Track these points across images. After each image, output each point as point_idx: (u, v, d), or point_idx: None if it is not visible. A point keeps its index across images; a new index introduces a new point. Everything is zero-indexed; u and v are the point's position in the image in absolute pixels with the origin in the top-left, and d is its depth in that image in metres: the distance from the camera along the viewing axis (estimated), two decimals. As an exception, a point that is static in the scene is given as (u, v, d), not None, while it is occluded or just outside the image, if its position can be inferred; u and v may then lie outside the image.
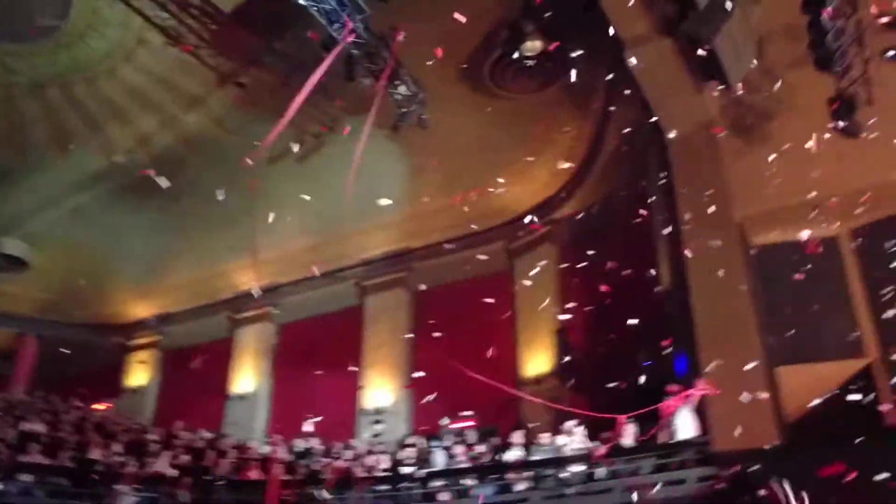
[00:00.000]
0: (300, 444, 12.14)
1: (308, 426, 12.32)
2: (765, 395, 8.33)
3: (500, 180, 13.26)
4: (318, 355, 15.05)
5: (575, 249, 12.91)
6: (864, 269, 9.08)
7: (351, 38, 10.58)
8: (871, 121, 8.42)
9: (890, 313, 8.44)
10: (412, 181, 14.60)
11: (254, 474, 10.54)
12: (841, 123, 8.40)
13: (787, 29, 9.15)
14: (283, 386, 16.36)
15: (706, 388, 8.60)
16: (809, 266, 9.00)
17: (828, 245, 9.23)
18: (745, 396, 8.09)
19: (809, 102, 8.86)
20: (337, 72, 10.87)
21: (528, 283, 13.39)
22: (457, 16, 9.88)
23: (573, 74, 10.78)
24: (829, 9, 8.08)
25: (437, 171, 13.31)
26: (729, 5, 8.60)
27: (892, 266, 8.61)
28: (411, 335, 14.91)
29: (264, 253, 16.38)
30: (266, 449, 12.13)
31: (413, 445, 11.39)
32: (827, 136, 8.61)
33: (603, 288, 10.68)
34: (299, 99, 9.01)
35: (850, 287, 9.12)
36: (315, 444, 12.17)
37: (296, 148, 13.16)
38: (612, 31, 9.70)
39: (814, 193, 9.00)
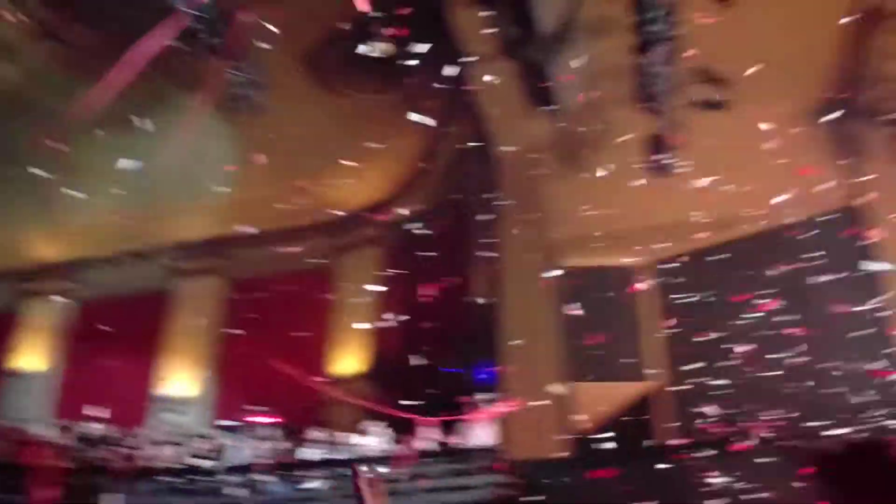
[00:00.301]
0: (88, 430, 11.34)
1: (98, 411, 11.57)
2: (560, 408, 8.81)
3: (332, 177, 13.13)
4: (118, 337, 14.11)
5: (399, 254, 13.03)
6: (659, 299, 9.83)
7: (191, 10, 10.09)
8: (681, 163, 9.12)
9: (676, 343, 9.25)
10: (241, 166, 14.10)
11: (30, 459, 9.73)
12: (653, 162, 9.03)
13: (617, 68, 9.74)
14: (76, 366, 15.20)
15: (510, 405, 8.96)
16: (612, 291, 9.65)
17: (628, 274, 9.94)
18: (540, 408, 8.53)
19: (629, 139, 9.47)
20: (175, 44, 10.33)
21: (348, 282, 13.39)
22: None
23: (416, 82, 10.90)
24: (656, 55, 8.68)
25: (268, 159, 12.94)
26: (568, 39, 9.08)
27: (683, 299, 9.40)
28: (222, 324, 14.38)
29: (71, 224, 15.22)
30: (48, 433, 11.24)
31: (211, 438, 10.97)
32: (640, 172, 9.26)
33: (421, 295, 10.85)
34: (127, 65, 8.48)
35: (644, 315, 9.84)
36: (105, 430, 11.42)
37: (128, 118, 12.35)
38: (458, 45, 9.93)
39: (623, 224, 9.67)
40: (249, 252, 14.75)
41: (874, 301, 8.57)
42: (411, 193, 13.81)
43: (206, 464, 10.04)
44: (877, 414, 7.95)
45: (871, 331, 8.44)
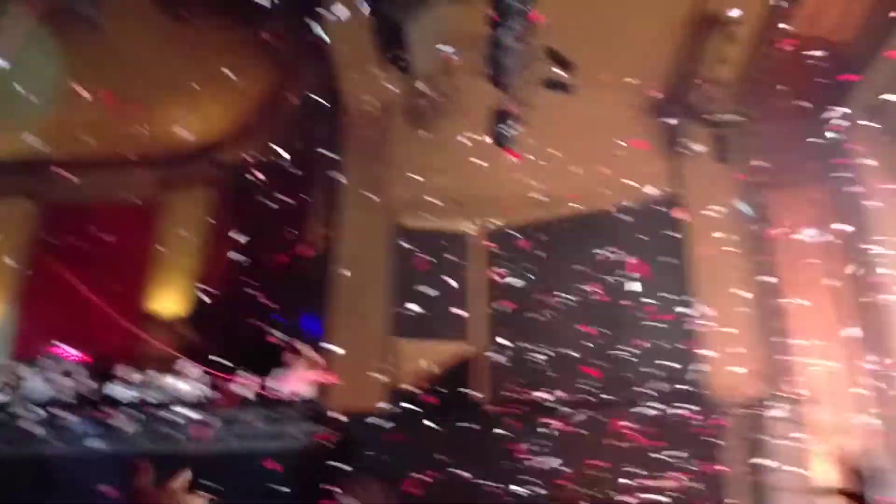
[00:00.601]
0: None
1: None
2: (381, 363, 9.01)
3: (168, 107, 12.46)
4: None
5: (234, 197, 12.63)
6: (488, 268, 10.15)
7: None
8: (522, 138, 9.40)
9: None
10: (67, 83, 12.99)
11: None
12: (496, 134, 9.25)
13: (471, 36, 9.85)
14: None
15: (325, 375, 9.05)
16: (445, 255, 9.87)
17: (464, 240, 10.23)
18: (361, 362, 8.70)
19: (476, 109, 9.63)
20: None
21: (176, 221, 12.84)
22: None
23: (267, 22, 10.56)
24: (509, 28, 8.86)
25: (99, 79, 12.03)
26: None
27: (511, 269, 9.78)
28: (30, 251, 13.31)
29: None
30: None
31: (7, 370, 10.23)
32: (483, 142, 9.46)
33: (253, 241, 10.63)
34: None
35: (473, 281, 10.13)
36: None
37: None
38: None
39: (462, 191, 9.88)
40: (71, 176, 13.69)
41: (681, 292, 9.34)
42: (252, 137, 13.36)
43: (0, 397, 9.41)
44: (666, 393, 8.70)
45: (676, 319, 9.17)
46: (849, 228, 9.13)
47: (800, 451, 8.42)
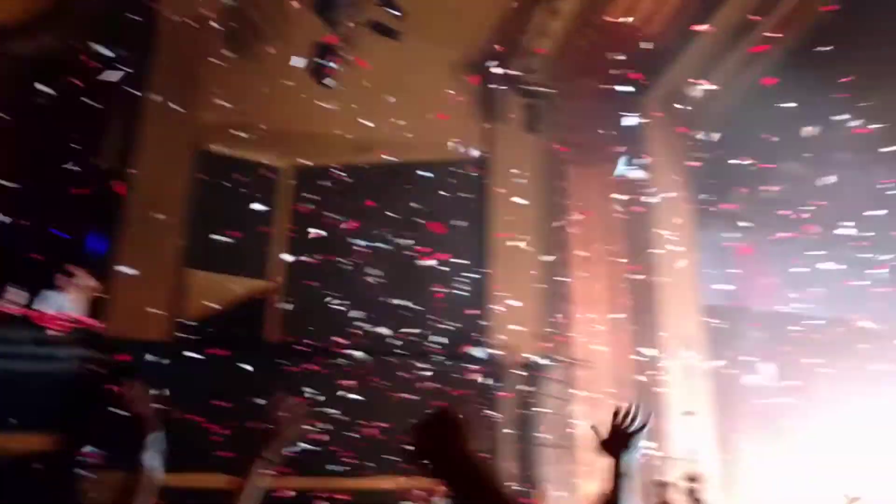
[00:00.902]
0: None
1: None
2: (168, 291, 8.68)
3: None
4: None
5: (17, 95, 11.40)
6: (293, 204, 9.97)
7: None
8: (342, 77, 9.22)
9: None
10: None
11: None
12: (315, 68, 9.03)
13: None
14: None
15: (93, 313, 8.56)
16: (248, 187, 9.56)
17: (270, 173, 9.95)
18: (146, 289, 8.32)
19: (299, 40, 9.31)
20: None
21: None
22: None
23: None
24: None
25: None
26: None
27: (314, 210, 9.65)
28: None
29: None
30: None
31: None
32: (302, 75, 9.19)
33: (38, 147, 9.72)
34: None
35: (277, 216, 9.92)
36: None
37: None
38: None
39: (273, 123, 9.57)
40: None
41: (476, 253, 9.67)
42: (49, 29, 12.04)
43: None
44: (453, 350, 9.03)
45: (468, 280, 9.50)
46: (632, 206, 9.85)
47: (571, 411, 9.10)
